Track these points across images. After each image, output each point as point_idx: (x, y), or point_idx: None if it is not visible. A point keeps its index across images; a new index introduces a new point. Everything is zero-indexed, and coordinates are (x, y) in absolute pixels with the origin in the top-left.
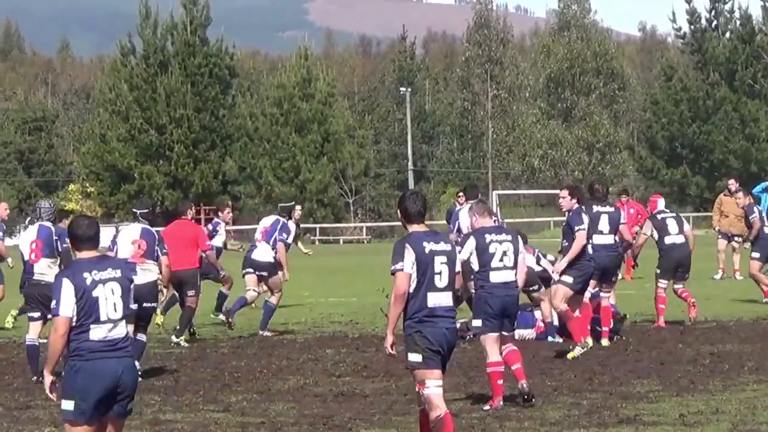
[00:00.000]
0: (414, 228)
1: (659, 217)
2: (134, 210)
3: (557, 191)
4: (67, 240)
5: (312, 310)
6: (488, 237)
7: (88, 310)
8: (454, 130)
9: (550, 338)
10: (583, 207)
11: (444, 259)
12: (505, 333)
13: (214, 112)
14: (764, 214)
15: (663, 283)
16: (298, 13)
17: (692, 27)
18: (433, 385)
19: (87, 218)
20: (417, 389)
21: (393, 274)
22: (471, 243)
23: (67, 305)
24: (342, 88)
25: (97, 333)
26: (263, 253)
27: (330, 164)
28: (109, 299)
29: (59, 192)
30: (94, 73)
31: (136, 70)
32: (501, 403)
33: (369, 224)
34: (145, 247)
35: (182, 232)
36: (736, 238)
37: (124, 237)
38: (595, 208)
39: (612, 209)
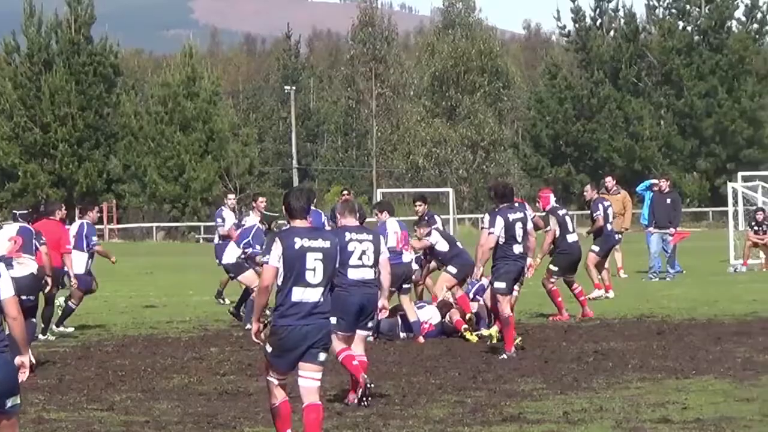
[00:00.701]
0: (296, 223)
1: (560, 213)
2: (14, 212)
3: (441, 190)
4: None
5: (196, 309)
6: (348, 236)
7: None
8: (338, 128)
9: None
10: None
11: (319, 255)
12: (360, 332)
13: (98, 111)
14: (609, 213)
15: (555, 279)
16: (182, 11)
17: (577, 25)
18: (274, 377)
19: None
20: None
21: (261, 265)
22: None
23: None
24: (227, 86)
25: None
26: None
27: (214, 163)
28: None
29: None
30: None
31: (20, 69)
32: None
33: None
34: (21, 243)
35: (46, 231)
36: (616, 236)
37: (2, 235)
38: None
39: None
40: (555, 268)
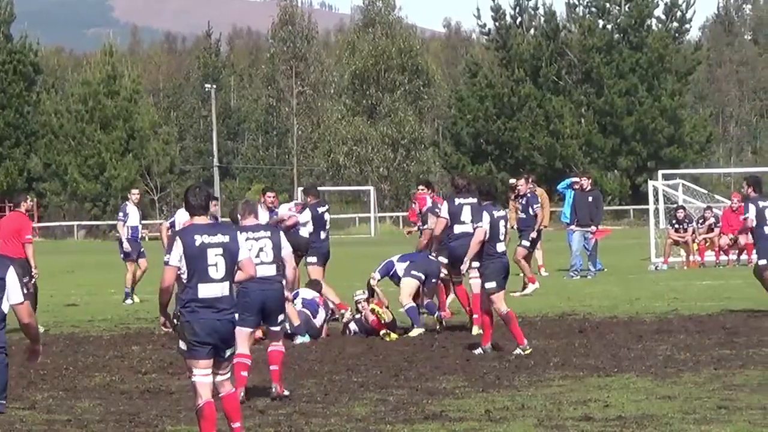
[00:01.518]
0: (196, 220)
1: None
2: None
3: (363, 188)
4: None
5: (118, 307)
6: (244, 235)
7: None
8: (259, 126)
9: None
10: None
11: (220, 251)
12: (272, 328)
13: (18, 109)
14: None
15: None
16: (102, 9)
17: (497, 24)
18: (198, 374)
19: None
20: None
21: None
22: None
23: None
24: (147, 85)
25: None
26: None
27: (135, 161)
28: None
29: None
30: None
31: None
32: (243, 394)
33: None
34: None
35: (9, 222)
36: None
37: None
38: (457, 200)
39: (474, 200)
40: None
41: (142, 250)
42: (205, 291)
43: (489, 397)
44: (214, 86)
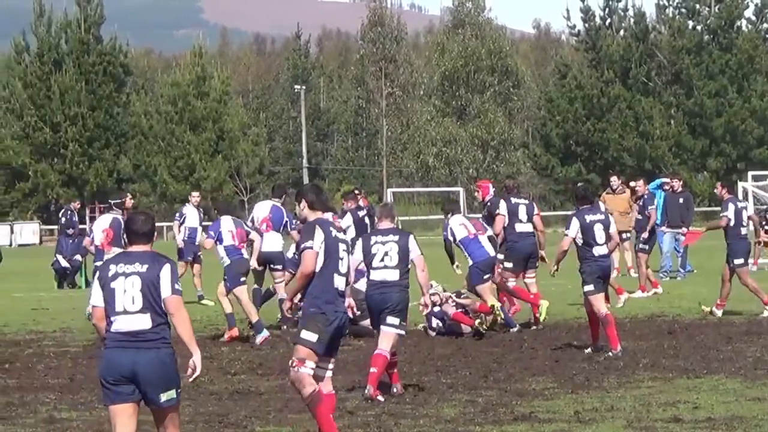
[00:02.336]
0: (317, 215)
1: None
2: (110, 201)
3: (452, 189)
4: None
5: (206, 308)
6: (374, 238)
7: (108, 300)
8: (348, 127)
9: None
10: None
11: (345, 247)
12: (384, 328)
13: (108, 111)
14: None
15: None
16: (191, 11)
17: (586, 25)
18: (309, 366)
19: (143, 214)
20: (293, 364)
21: (302, 252)
22: (359, 245)
23: (96, 296)
24: (236, 86)
25: (118, 324)
26: (274, 242)
27: (225, 162)
28: (123, 292)
29: None
30: None
31: (30, 68)
32: (402, 389)
33: None
34: (113, 236)
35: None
36: (624, 235)
37: (96, 226)
38: (513, 200)
39: (527, 201)
40: (509, 264)
41: (198, 254)
42: (338, 282)
43: (578, 398)
44: (304, 87)
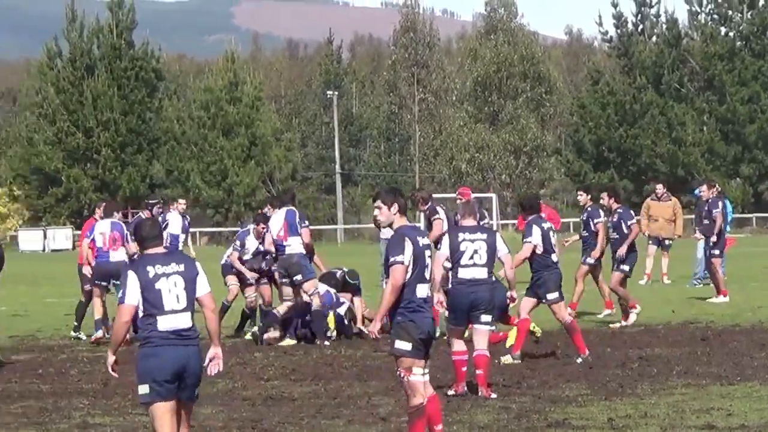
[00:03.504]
0: (403, 222)
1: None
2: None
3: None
4: None
5: (239, 314)
6: (461, 236)
7: (151, 300)
8: (381, 133)
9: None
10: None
11: (430, 253)
12: (476, 326)
13: (141, 116)
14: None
15: None
16: (224, 16)
17: (618, 31)
18: (418, 373)
19: (149, 219)
20: (401, 375)
21: (391, 266)
22: (445, 241)
23: (132, 295)
24: (269, 91)
25: (162, 323)
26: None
27: (257, 168)
28: (169, 291)
29: None
30: (20, 76)
31: (62, 73)
32: (464, 388)
33: None
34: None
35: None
36: (666, 242)
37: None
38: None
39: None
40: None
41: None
42: (421, 291)
43: (612, 405)
44: (336, 93)
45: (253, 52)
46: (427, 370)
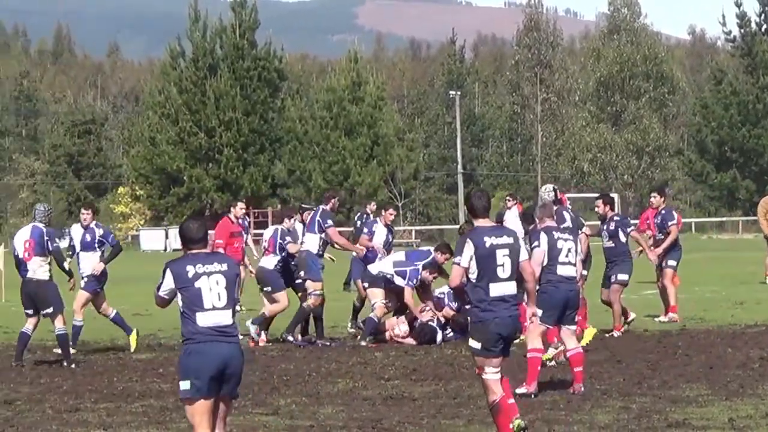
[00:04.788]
0: (479, 222)
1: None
2: (302, 206)
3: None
4: (57, 240)
5: (362, 314)
6: (556, 234)
7: (191, 298)
8: (503, 133)
9: None
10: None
11: (506, 251)
12: (568, 327)
13: (263, 116)
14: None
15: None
16: (347, 16)
17: (742, 30)
18: (490, 372)
19: (196, 220)
20: (477, 372)
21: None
22: (543, 237)
23: (166, 286)
24: (391, 91)
25: (203, 320)
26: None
27: (379, 167)
28: (209, 290)
29: (108, 195)
30: (144, 76)
31: (185, 73)
32: (536, 388)
33: (418, 227)
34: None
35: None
36: None
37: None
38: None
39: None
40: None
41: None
42: (495, 290)
43: (732, 405)
44: (459, 93)
45: (375, 52)
46: (499, 368)
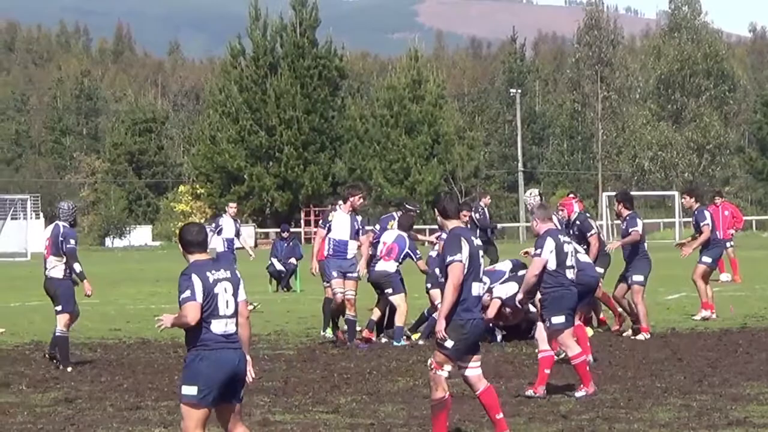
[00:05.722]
0: (453, 224)
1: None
2: (405, 204)
3: (667, 193)
4: (72, 241)
5: (420, 312)
6: (561, 238)
7: (210, 305)
8: (564, 131)
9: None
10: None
11: (481, 253)
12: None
13: (323, 114)
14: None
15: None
16: (407, 14)
17: None
18: (447, 370)
19: (197, 224)
20: (430, 365)
21: (449, 265)
22: (550, 242)
23: (199, 294)
24: (452, 89)
25: (216, 326)
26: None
27: (440, 166)
28: (222, 297)
29: (169, 193)
30: (204, 75)
31: (245, 72)
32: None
33: None
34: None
35: None
36: None
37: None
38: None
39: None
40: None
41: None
42: (476, 290)
43: None
44: (519, 91)
45: (436, 50)
46: (479, 363)
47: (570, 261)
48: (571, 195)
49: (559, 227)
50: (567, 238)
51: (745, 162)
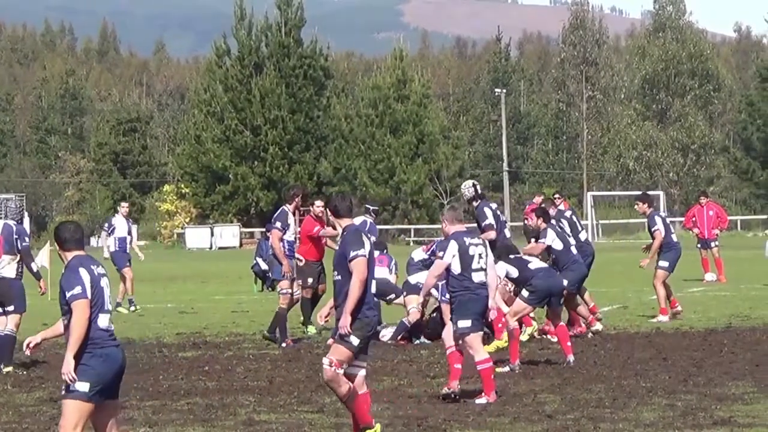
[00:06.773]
0: (344, 222)
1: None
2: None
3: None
4: (26, 239)
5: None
6: (467, 240)
7: (97, 299)
8: (548, 131)
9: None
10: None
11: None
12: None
13: (308, 114)
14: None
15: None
16: (392, 14)
17: None
18: (345, 366)
19: (73, 222)
20: (330, 364)
21: (352, 260)
22: (453, 246)
23: (88, 289)
24: (437, 89)
25: (102, 321)
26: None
27: (425, 165)
28: (106, 291)
29: (154, 193)
30: (189, 74)
31: (231, 71)
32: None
33: (467, 225)
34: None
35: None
36: None
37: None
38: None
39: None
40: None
41: (128, 261)
42: (374, 289)
43: None
44: (504, 91)
45: (421, 50)
46: (365, 364)
47: (477, 264)
48: (557, 195)
49: (570, 230)
50: (478, 241)
51: (730, 162)
